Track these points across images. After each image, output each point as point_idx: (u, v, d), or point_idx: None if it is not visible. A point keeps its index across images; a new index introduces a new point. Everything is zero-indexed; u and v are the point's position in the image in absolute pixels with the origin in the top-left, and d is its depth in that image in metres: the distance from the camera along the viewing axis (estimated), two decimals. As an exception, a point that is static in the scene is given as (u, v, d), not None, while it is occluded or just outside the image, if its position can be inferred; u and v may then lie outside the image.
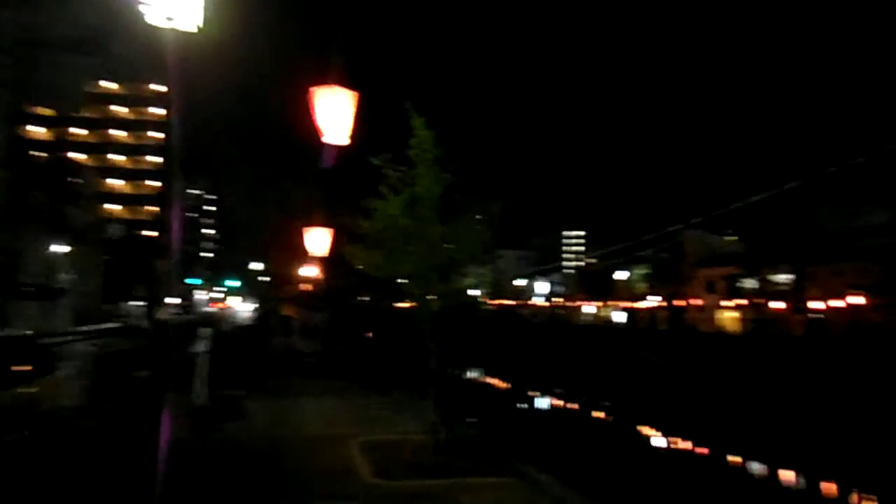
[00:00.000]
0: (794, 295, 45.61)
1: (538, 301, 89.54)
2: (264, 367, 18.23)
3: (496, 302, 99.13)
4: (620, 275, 69.67)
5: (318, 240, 10.02)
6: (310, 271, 20.44)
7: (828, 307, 43.00)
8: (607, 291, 68.43)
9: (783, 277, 47.03)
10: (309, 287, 26.25)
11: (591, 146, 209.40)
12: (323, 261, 17.51)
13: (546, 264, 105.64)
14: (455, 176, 8.47)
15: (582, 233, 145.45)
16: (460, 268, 9.00)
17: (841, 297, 42.33)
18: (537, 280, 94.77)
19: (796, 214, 51.12)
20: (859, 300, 41.08)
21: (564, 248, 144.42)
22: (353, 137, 6.89)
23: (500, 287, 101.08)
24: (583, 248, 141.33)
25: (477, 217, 8.77)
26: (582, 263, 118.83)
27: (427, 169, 8.38)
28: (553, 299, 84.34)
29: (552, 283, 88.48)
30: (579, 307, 77.07)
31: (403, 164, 8.61)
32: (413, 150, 8.40)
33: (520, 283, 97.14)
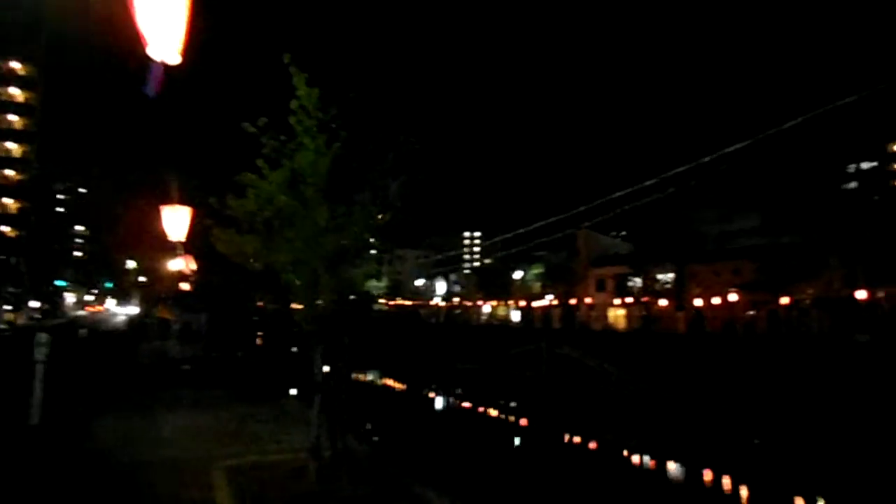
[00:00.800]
0: (677, 293, 48.06)
1: (437, 301, 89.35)
2: (128, 377, 15.95)
3: (395, 302, 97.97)
4: (517, 274, 70.79)
5: (176, 221, 8.29)
6: (185, 267, 18.21)
7: (706, 304, 45.62)
8: (504, 290, 69.24)
9: (667, 276, 49.49)
10: (187, 286, 23.75)
11: (492, 145, 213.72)
12: (200, 255, 15.52)
13: (446, 264, 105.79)
14: (347, 148, 7.15)
15: (479, 233, 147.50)
16: (353, 258, 7.68)
17: (718, 294, 45.05)
18: (438, 280, 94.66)
19: (675, 217, 54.12)
20: (734, 297, 43.88)
21: (465, 247, 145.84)
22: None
23: (399, 286, 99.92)
24: (480, 248, 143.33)
25: (372, 197, 7.46)
26: (478, 264, 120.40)
27: (311, 138, 7.01)
28: (453, 299, 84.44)
29: (451, 283, 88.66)
30: (477, 306, 77.57)
31: (286, 133, 7.21)
32: (294, 114, 6.99)
33: (420, 282, 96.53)
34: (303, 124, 6.98)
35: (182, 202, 9.02)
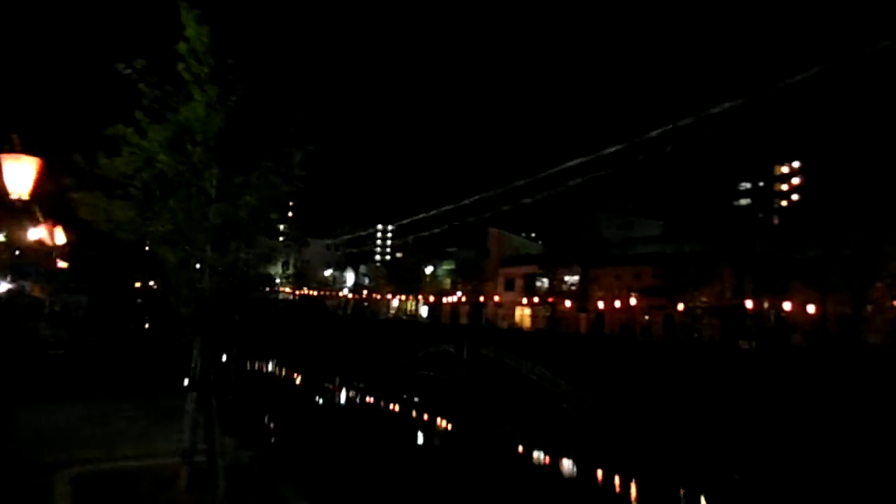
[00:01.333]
0: (581, 295, 49.42)
1: (345, 292, 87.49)
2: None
3: (301, 291, 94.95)
4: (428, 269, 70.49)
5: (18, 174, 6.86)
6: (48, 237, 16.09)
7: (608, 306, 47.22)
8: (414, 285, 68.71)
9: (573, 278, 50.77)
10: (63, 262, 21.29)
11: (408, 137, 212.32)
12: (74, 225, 13.68)
13: (357, 256, 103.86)
14: (245, 105, 6.11)
15: (392, 226, 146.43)
16: (248, 235, 6.62)
17: (620, 297, 46.73)
18: (347, 271, 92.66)
19: (581, 222, 55.67)
20: (634, 301, 45.67)
21: (378, 240, 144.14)
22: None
23: (305, 275, 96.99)
24: (391, 241, 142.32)
25: (271, 165, 6.42)
26: (389, 257, 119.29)
27: (202, 90, 5.90)
28: (362, 291, 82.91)
29: (361, 275, 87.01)
30: (386, 299, 76.61)
31: (173, 82, 6.07)
32: (183, 60, 5.86)
33: (328, 272, 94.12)
34: (192, 71, 5.85)
35: (33, 152, 7.54)
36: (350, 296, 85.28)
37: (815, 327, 32.57)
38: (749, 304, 35.43)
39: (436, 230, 66.49)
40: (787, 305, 33.38)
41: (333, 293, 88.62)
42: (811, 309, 32.21)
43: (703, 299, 37.90)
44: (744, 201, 65.75)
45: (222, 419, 6.58)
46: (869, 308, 29.49)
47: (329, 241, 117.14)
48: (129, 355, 19.31)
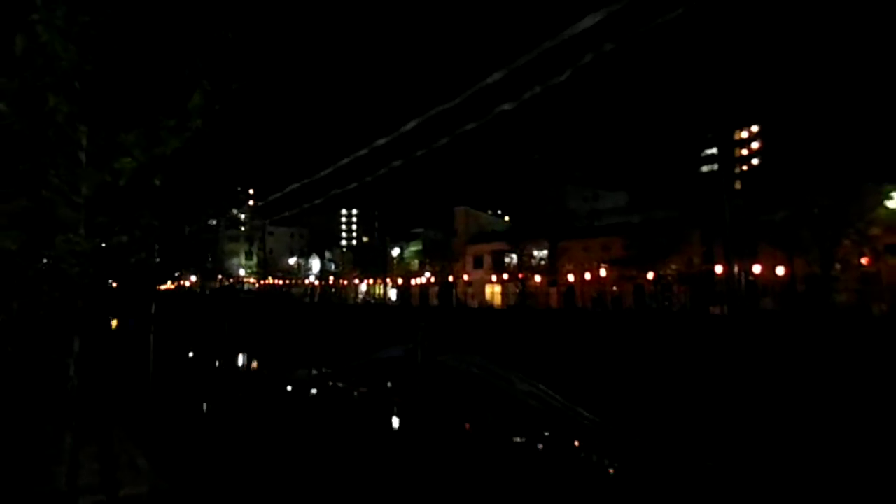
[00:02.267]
0: (550, 269, 48.79)
1: (312, 279, 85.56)
2: None
3: (266, 282, 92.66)
4: (395, 252, 69.16)
5: None
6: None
7: (578, 279, 46.67)
8: (382, 268, 67.34)
9: (542, 253, 50.09)
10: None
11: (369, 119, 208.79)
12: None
13: (321, 242, 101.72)
14: (116, 30, 4.69)
15: (356, 211, 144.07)
16: (126, 209, 5.21)
17: (589, 270, 46.21)
18: (312, 258, 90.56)
19: (548, 195, 54.90)
20: (604, 273, 45.17)
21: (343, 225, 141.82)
22: None
23: (269, 265, 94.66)
24: (357, 226, 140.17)
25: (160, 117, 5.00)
26: (356, 242, 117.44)
27: (48, 8, 4.47)
28: (328, 277, 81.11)
29: (327, 261, 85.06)
30: (354, 284, 75.07)
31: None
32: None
33: (292, 261, 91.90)
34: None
35: None
36: (317, 283, 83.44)
37: (785, 289, 32.44)
38: (719, 269, 35.13)
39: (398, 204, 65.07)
40: (756, 269, 33.13)
41: (300, 281, 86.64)
42: (780, 271, 32.00)
43: (673, 267, 37.53)
44: (708, 167, 65.99)
45: (141, 435, 5.27)
46: (837, 266, 29.35)
47: (293, 230, 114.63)
48: None
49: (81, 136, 4.88)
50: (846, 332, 23.30)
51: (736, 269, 35.08)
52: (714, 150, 70.52)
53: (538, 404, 21.06)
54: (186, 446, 15.68)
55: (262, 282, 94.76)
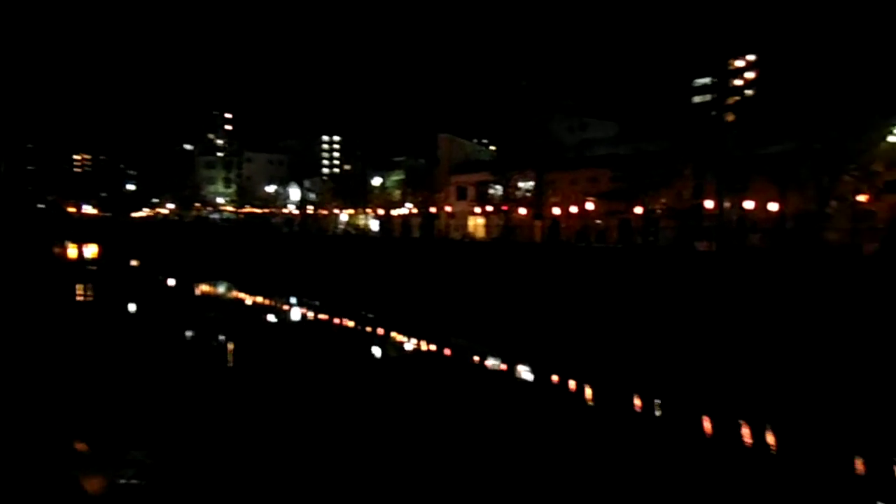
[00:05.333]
0: (536, 201, 47.47)
1: (291, 209, 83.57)
2: None
3: (245, 210, 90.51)
4: (376, 181, 67.14)
5: None
6: None
7: (564, 213, 45.53)
8: (362, 198, 65.56)
9: (528, 184, 48.59)
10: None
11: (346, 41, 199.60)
12: None
13: (301, 170, 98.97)
14: None
15: (338, 137, 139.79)
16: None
17: (576, 203, 45.01)
18: (291, 186, 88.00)
19: (534, 124, 52.80)
20: (590, 206, 44.03)
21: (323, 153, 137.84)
22: None
23: (247, 193, 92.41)
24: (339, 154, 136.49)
25: None
26: (338, 170, 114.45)
27: None
28: (308, 207, 79.15)
29: (306, 190, 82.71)
30: (334, 215, 73.42)
31: None
32: None
33: (271, 189, 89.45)
34: None
35: None
36: (296, 212, 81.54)
37: (775, 226, 31.58)
38: (709, 204, 34.10)
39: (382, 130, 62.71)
40: (748, 204, 32.13)
41: (278, 210, 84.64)
42: (773, 207, 31.03)
43: (663, 201, 36.44)
44: (701, 98, 63.86)
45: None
46: (833, 203, 28.40)
47: (272, 156, 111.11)
48: None
49: None
50: (837, 272, 22.53)
51: (727, 204, 34.11)
52: (707, 80, 68.33)
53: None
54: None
55: (240, 210, 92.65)
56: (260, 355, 23.40)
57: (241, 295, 44.14)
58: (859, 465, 13.65)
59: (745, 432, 15.52)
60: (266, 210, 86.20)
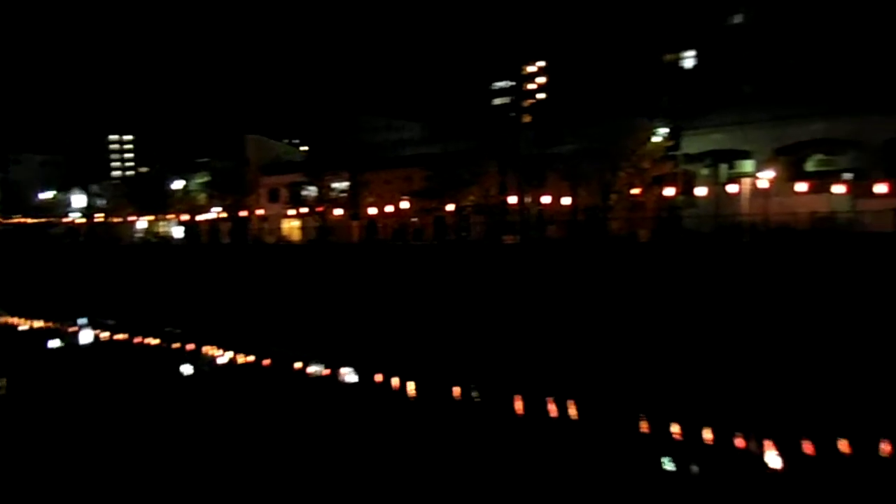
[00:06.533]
0: (352, 202, 47.31)
1: (74, 217, 73.60)
2: None
3: (15, 220, 77.90)
4: (178, 184, 61.67)
5: None
6: None
7: (380, 212, 45.96)
8: (162, 203, 59.82)
9: (342, 185, 48.19)
10: None
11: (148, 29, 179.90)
12: None
13: (85, 173, 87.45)
14: None
15: (130, 136, 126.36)
16: None
17: (391, 202, 45.64)
18: (74, 192, 77.34)
19: (345, 124, 52.73)
20: (405, 205, 44.97)
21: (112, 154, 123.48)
22: None
23: (16, 199, 79.65)
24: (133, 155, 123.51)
25: None
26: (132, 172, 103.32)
27: None
28: (95, 214, 70.19)
29: (93, 196, 73.30)
30: (129, 222, 66.09)
31: None
32: None
33: (48, 195, 78.06)
34: None
35: None
36: (82, 221, 71.98)
37: (569, 218, 35.04)
38: (513, 199, 36.72)
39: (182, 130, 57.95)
40: (545, 199, 35.18)
41: (58, 219, 74.07)
42: (566, 201, 34.34)
43: (472, 198, 38.42)
44: (500, 100, 68.53)
45: None
46: (614, 197, 32.25)
47: (47, 157, 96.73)
48: None
49: None
50: (618, 257, 25.76)
51: (528, 199, 37.04)
52: (504, 84, 73.39)
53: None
54: None
55: (7, 221, 79.43)
56: (41, 387, 20.76)
57: (13, 320, 38.02)
58: (644, 426, 15.69)
59: (552, 408, 17.05)
60: (43, 220, 75.04)
